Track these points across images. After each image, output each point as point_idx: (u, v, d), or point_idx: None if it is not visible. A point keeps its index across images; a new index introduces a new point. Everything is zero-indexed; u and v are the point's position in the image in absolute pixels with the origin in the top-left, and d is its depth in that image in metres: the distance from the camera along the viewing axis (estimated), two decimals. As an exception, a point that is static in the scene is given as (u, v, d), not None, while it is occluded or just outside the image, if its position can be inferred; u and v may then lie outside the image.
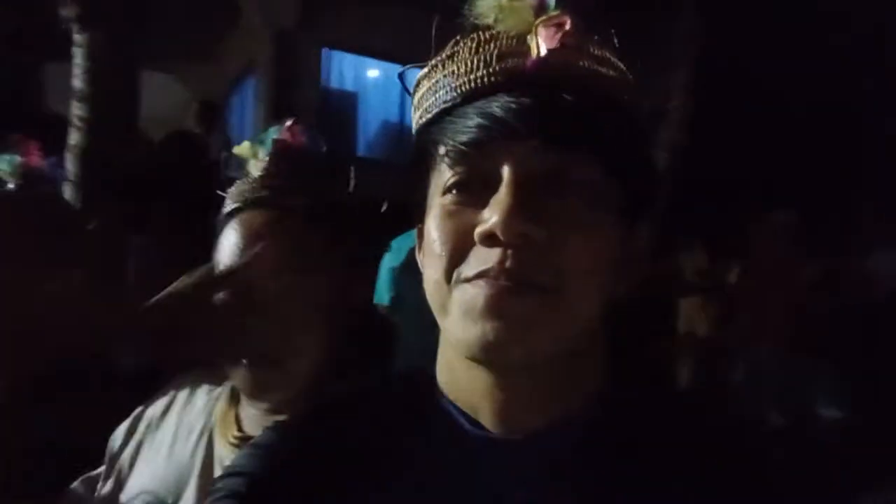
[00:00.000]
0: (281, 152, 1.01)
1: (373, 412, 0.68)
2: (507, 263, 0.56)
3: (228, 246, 0.97)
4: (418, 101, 0.64)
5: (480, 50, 0.59)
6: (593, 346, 0.65)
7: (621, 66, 0.62)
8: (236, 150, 1.02)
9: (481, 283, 0.57)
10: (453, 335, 0.59)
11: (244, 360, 0.96)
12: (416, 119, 0.64)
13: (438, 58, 0.62)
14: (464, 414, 0.64)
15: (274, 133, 1.02)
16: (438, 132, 0.61)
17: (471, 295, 0.58)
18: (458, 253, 0.59)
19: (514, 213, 0.55)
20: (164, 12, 4.43)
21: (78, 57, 2.44)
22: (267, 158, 1.00)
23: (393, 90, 7.25)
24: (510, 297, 0.56)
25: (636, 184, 0.62)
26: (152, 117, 4.26)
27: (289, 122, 1.01)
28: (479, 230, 0.57)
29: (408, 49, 0.79)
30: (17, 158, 0.99)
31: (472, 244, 0.58)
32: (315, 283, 0.96)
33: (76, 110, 2.49)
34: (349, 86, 7.23)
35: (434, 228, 0.61)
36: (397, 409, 0.67)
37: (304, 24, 6.36)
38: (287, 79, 6.43)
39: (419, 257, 0.66)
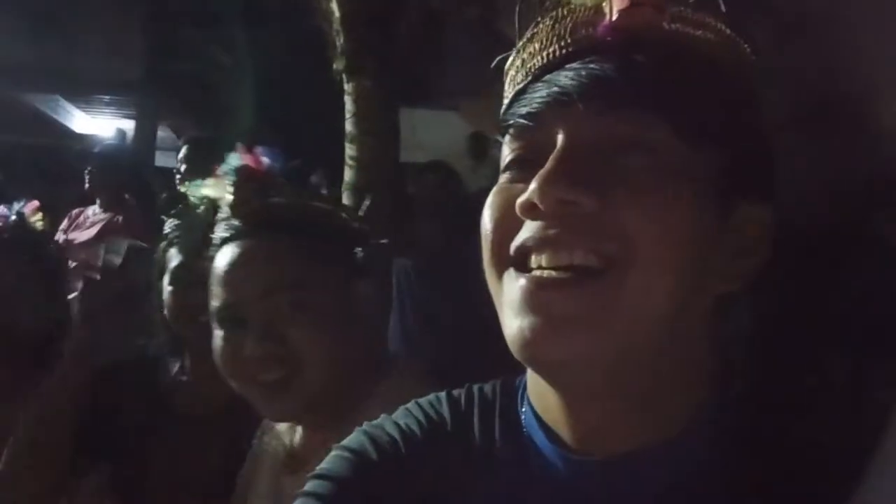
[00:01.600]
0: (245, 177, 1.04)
1: (461, 423, 0.64)
2: (548, 237, 0.51)
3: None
4: (504, 91, 0.60)
5: (556, 26, 0.56)
6: (693, 353, 0.55)
7: (726, 30, 0.55)
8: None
9: (525, 273, 0.52)
10: (504, 332, 0.54)
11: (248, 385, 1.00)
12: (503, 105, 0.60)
13: (520, 42, 0.59)
14: (546, 428, 0.58)
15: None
16: (508, 111, 0.57)
17: (513, 285, 0.52)
18: (504, 233, 0.54)
19: (555, 178, 0.50)
20: (446, 53, 4.81)
21: (348, 103, 2.77)
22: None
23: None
24: (551, 285, 0.50)
25: (730, 156, 0.53)
26: (434, 152, 4.64)
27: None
28: (518, 200, 0.52)
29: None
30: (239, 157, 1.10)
31: (520, 223, 0.53)
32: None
33: (348, 150, 2.82)
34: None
35: (485, 208, 0.56)
36: (486, 420, 0.63)
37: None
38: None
39: None
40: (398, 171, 3.06)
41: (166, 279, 1.39)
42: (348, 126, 2.81)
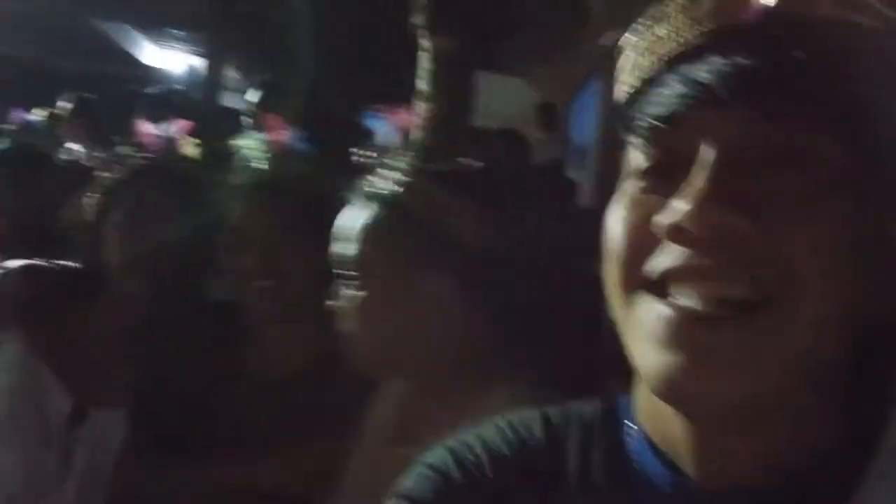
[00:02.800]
0: None
1: (556, 444, 0.60)
2: (699, 266, 0.45)
3: None
4: (618, 72, 0.52)
5: (692, 5, 0.47)
6: (835, 393, 0.50)
7: (888, 12, 0.46)
8: None
9: (664, 300, 0.46)
10: (633, 360, 0.48)
11: None
12: (616, 94, 0.53)
13: (643, 19, 0.50)
14: (660, 454, 0.54)
15: None
16: (634, 107, 0.50)
17: (650, 313, 0.46)
18: (637, 252, 0.48)
19: (710, 199, 0.43)
20: (517, 20, 4.65)
21: (424, 61, 2.65)
22: None
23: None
24: (703, 321, 0.45)
25: (891, 164, 0.46)
26: (501, 119, 4.52)
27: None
28: (663, 221, 0.45)
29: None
30: (264, 136, 1.10)
31: (657, 242, 0.47)
32: None
33: (419, 110, 2.70)
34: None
35: (613, 220, 0.50)
36: (584, 442, 0.59)
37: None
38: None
39: None
40: (470, 135, 2.95)
41: None
42: (421, 84, 2.69)
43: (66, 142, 3.37)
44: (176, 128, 1.66)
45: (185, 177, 1.50)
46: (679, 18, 0.47)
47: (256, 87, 3.12)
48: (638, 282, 0.48)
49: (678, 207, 0.44)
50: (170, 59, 8.30)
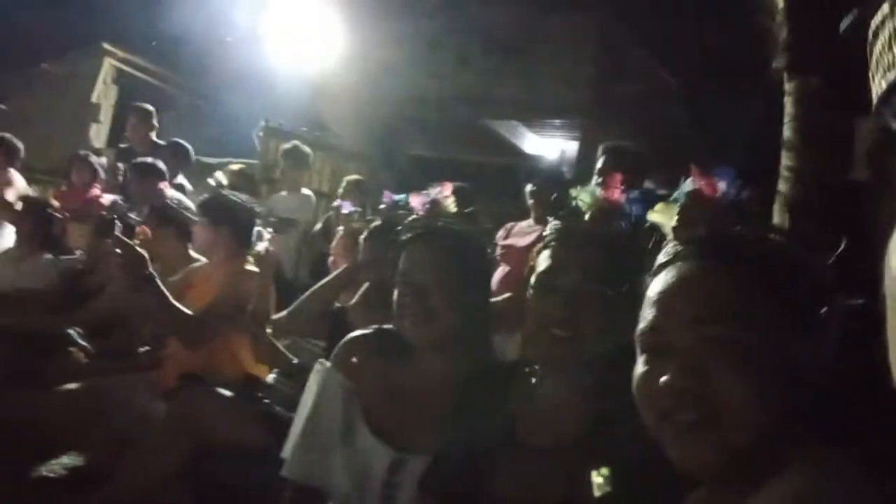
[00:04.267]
0: None
1: None
2: None
3: None
4: (877, 60, 0.40)
5: None
6: None
7: None
8: None
9: None
10: None
11: None
12: (875, 87, 0.40)
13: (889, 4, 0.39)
14: None
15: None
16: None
17: None
18: None
19: None
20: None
21: (788, 105, 2.47)
22: None
23: None
24: None
25: None
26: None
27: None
28: None
29: None
30: (598, 191, 1.07)
31: None
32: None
33: (785, 160, 2.51)
34: None
35: None
36: None
37: None
38: None
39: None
40: (847, 188, 2.63)
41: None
42: (787, 132, 2.50)
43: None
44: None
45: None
46: None
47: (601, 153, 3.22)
48: None
49: None
50: (550, 146, 8.98)
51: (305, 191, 5.57)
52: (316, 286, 2.88)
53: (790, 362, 0.85)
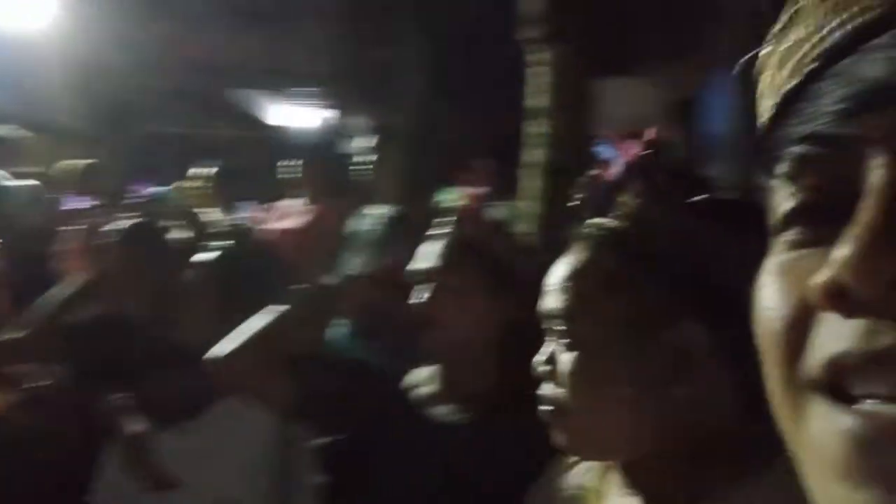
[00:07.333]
0: None
1: None
2: (880, 344, 0.28)
3: None
4: (759, 94, 0.39)
5: None
6: None
7: None
8: None
9: (845, 406, 0.30)
10: (811, 498, 0.33)
11: None
12: (758, 124, 0.39)
13: (777, 27, 0.37)
14: None
15: None
16: (776, 133, 0.36)
17: (824, 422, 0.31)
18: (797, 334, 0.32)
19: (879, 237, 0.28)
20: (640, 19, 4.47)
21: (539, 73, 2.54)
22: None
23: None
24: None
25: None
26: (627, 121, 4.33)
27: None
28: (815, 280, 0.30)
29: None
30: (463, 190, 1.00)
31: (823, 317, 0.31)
32: None
33: (534, 128, 2.58)
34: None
35: (762, 296, 0.35)
36: None
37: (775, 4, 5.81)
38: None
39: None
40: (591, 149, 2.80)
41: None
42: (536, 101, 2.58)
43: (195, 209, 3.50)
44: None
45: None
46: (819, 10, 0.35)
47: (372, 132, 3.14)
48: (806, 378, 0.33)
49: (836, 257, 0.29)
50: (296, 116, 8.71)
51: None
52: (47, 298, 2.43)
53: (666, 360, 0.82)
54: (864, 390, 0.30)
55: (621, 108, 5.09)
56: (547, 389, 0.80)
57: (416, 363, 1.33)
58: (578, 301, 0.78)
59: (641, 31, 4.75)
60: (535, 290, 1.34)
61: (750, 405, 0.71)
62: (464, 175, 2.67)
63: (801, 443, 0.33)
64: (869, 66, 0.31)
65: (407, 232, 1.45)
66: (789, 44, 0.36)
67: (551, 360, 0.80)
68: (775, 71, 0.37)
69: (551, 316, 0.80)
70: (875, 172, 0.30)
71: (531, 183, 2.57)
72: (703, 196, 0.77)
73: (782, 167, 0.35)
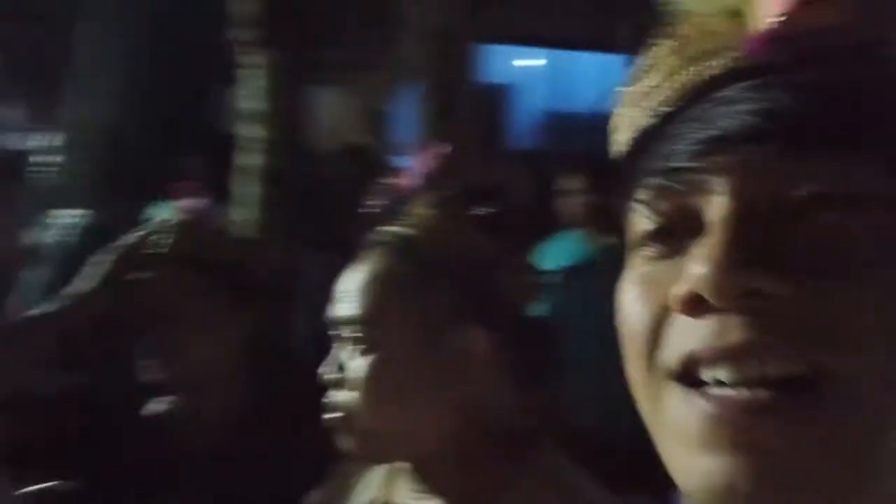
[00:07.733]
0: None
1: None
2: (726, 342, 0.36)
3: None
4: (613, 126, 0.45)
5: (688, 44, 0.41)
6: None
7: None
8: None
9: (696, 390, 0.37)
10: (668, 467, 0.39)
11: None
12: (613, 151, 0.45)
13: (637, 66, 0.44)
14: None
15: None
16: (632, 165, 0.42)
17: (680, 404, 0.38)
18: (655, 334, 0.39)
19: (729, 258, 0.36)
20: (328, 27, 4.53)
21: (256, 78, 2.47)
22: None
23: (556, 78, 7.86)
24: (747, 410, 0.36)
25: None
26: (321, 129, 4.38)
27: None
28: (674, 291, 0.37)
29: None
30: (175, 204, 0.94)
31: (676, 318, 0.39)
32: None
33: (248, 131, 2.51)
34: (503, 78, 7.65)
35: (624, 301, 0.42)
36: None
37: (463, 22, 6.37)
38: (446, 80, 6.51)
39: None
40: (310, 154, 2.79)
41: None
42: (249, 104, 2.50)
43: None
44: None
45: None
46: (674, 60, 0.41)
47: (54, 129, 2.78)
48: (663, 370, 0.39)
49: (692, 272, 0.36)
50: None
51: None
52: None
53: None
54: (711, 377, 0.37)
55: (326, 117, 5.18)
56: (337, 396, 0.80)
57: (150, 393, 1.20)
58: (376, 306, 0.79)
59: (339, 42, 4.87)
60: (274, 299, 1.29)
61: (527, 405, 0.80)
62: (175, 186, 2.48)
63: (660, 422, 0.39)
64: (717, 116, 0.37)
65: (104, 242, 1.29)
66: (644, 87, 0.42)
67: (341, 367, 0.80)
68: (631, 110, 0.42)
69: (345, 322, 0.80)
70: (722, 204, 0.37)
71: (246, 189, 2.49)
72: (489, 209, 0.83)
73: (641, 195, 0.41)
